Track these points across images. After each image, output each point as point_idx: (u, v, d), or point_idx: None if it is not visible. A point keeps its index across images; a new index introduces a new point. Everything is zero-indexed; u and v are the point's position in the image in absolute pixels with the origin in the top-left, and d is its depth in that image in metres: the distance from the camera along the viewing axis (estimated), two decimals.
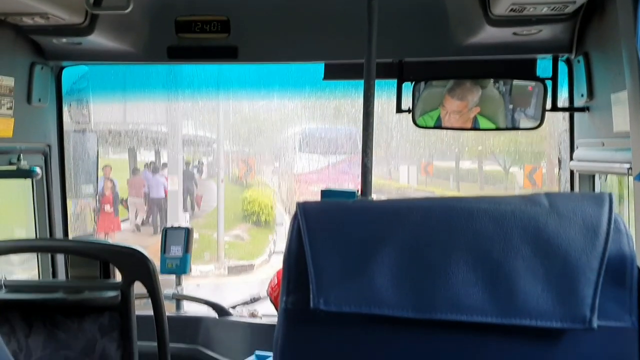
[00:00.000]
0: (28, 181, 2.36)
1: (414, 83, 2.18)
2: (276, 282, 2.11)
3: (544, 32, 1.94)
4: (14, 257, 2.49)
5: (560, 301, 0.73)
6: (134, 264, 1.66)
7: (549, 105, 2.11)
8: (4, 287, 1.73)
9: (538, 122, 2.12)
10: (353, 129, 8.74)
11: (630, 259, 0.75)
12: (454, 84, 2.17)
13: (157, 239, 2.44)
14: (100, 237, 9.52)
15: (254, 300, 2.48)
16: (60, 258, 2.40)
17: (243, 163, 12.91)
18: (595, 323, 0.72)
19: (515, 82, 2.16)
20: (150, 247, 2.22)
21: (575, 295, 0.73)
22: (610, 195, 0.78)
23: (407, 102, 2.20)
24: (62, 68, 2.38)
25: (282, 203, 12.19)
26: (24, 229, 2.56)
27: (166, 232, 2.45)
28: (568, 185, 2.22)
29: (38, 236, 2.37)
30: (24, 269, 2.70)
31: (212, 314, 2.38)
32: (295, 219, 0.81)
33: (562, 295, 0.73)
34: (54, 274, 2.41)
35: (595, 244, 0.74)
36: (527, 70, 2.15)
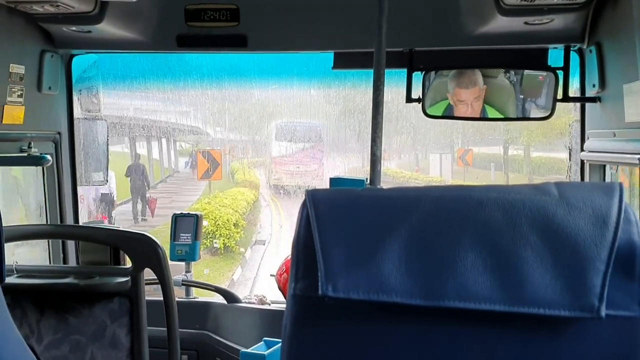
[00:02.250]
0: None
1: (424, 72, 2.17)
2: (284, 269, 2.13)
3: (556, 21, 1.93)
4: None
5: (569, 290, 0.73)
6: (144, 250, 1.67)
7: (560, 95, 2.10)
8: (15, 272, 1.75)
9: (549, 112, 2.11)
10: (317, 123, 11.38)
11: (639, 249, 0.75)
12: (457, 75, 2.15)
13: None
14: None
15: None
16: (70, 244, 2.43)
17: (203, 157, 11.47)
18: (604, 312, 0.72)
19: (527, 71, 2.14)
20: None
21: (584, 284, 0.73)
22: (620, 185, 0.77)
23: (417, 92, 2.20)
24: (72, 56, 2.39)
25: (266, 183, 12.31)
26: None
27: (176, 219, 2.47)
28: (578, 175, 2.21)
29: (49, 222, 2.39)
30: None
31: (221, 300, 2.40)
32: (304, 206, 0.82)
33: (571, 285, 0.73)
34: (65, 260, 2.43)
35: (605, 234, 0.74)
36: (538, 60, 2.13)
